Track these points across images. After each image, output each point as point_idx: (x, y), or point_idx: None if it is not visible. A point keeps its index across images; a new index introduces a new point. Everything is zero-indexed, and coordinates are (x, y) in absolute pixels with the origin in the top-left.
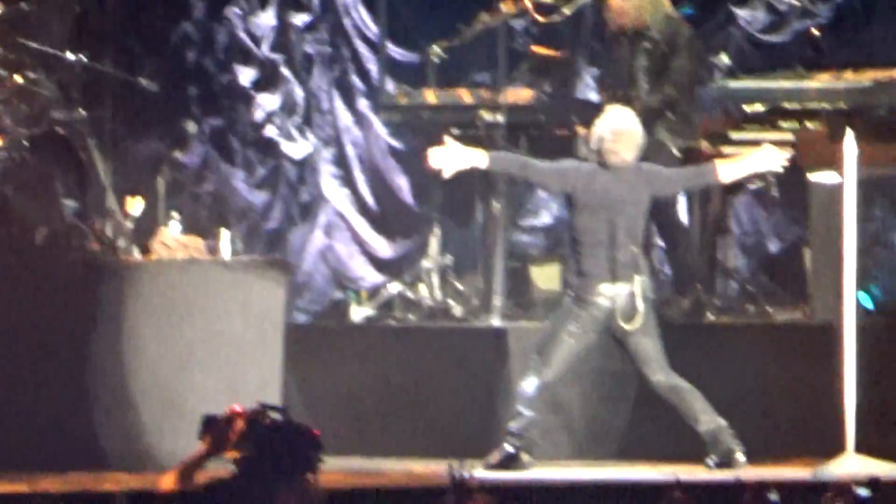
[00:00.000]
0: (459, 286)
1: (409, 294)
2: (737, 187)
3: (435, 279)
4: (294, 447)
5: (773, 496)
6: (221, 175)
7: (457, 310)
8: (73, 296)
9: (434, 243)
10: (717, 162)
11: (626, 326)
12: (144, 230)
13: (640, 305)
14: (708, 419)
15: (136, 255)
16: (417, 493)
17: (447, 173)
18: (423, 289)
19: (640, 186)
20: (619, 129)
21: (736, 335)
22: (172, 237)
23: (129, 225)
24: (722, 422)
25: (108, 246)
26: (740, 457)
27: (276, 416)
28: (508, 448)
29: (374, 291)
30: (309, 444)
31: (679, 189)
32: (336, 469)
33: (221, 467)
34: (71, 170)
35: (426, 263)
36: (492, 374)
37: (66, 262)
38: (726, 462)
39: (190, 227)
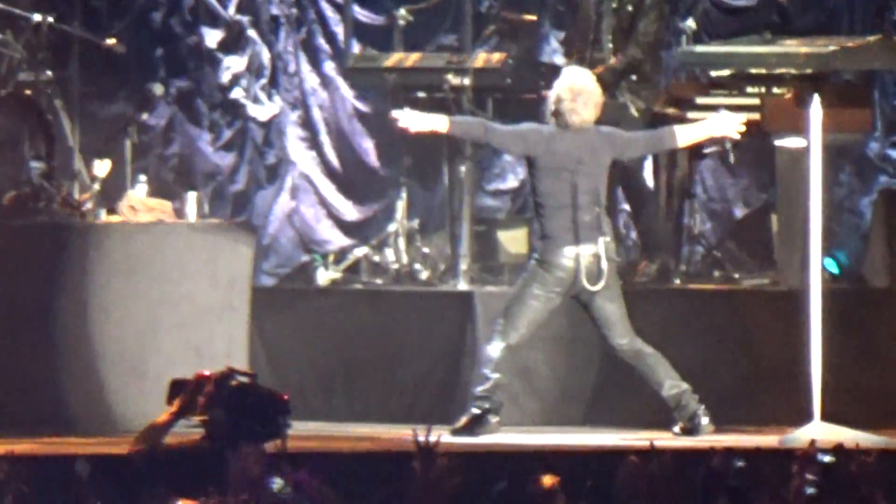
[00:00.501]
0: (426, 250)
1: (376, 257)
2: (701, 152)
3: (401, 243)
4: (263, 412)
5: (739, 462)
6: (188, 137)
7: (423, 273)
8: (40, 258)
9: (400, 207)
10: (676, 127)
11: (591, 287)
12: (111, 192)
13: (605, 266)
14: (671, 384)
15: (103, 217)
16: (384, 457)
17: (411, 132)
18: (389, 252)
19: (601, 148)
20: (576, 88)
21: (702, 301)
22: (139, 199)
23: (96, 187)
24: (685, 386)
25: (75, 208)
26: (704, 420)
27: (243, 380)
28: (475, 411)
29: (341, 255)
30: (277, 408)
31: (639, 152)
32: (303, 433)
33: (189, 431)
34: (37, 131)
35: (393, 227)
36: (459, 338)
37: (32, 224)
38: (691, 427)
39: (156, 190)
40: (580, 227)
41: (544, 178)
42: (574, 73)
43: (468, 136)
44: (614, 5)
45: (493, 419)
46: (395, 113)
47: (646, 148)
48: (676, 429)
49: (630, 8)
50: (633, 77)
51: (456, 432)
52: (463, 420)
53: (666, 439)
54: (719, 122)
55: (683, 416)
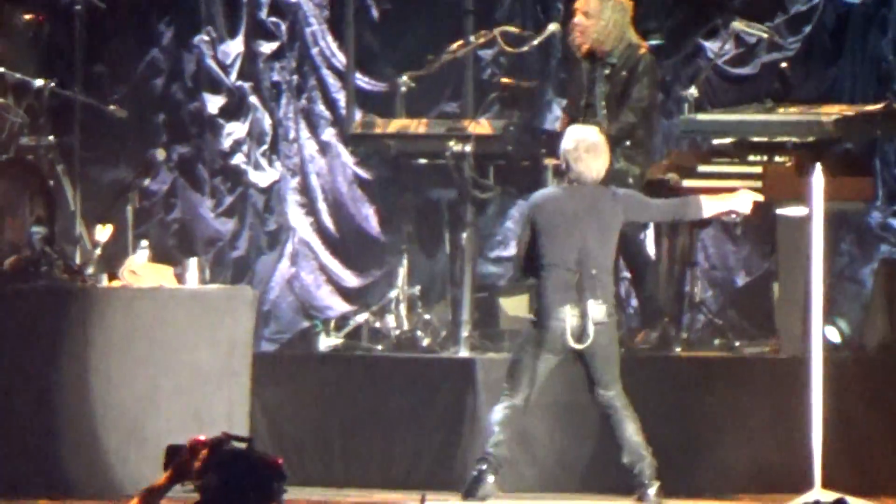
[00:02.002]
0: (427, 316)
1: (377, 324)
2: (704, 221)
3: (403, 309)
4: (257, 477)
5: None
6: (189, 203)
7: (424, 340)
8: (41, 322)
9: (402, 273)
10: (702, 197)
11: (576, 346)
12: (112, 257)
13: (590, 328)
14: (633, 452)
15: (104, 282)
16: None
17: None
18: (390, 319)
19: (611, 209)
20: (582, 140)
21: (703, 368)
22: (140, 264)
23: (97, 252)
24: (646, 454)
25: (76, 273)
26: (651, 492)
27: (239, 445)
28: (473, 472)
29: (342, 321)
30: (272, 473)
31: (660, 218)
32: (301, 499)
33: (185, 497)
34: (39, 196)
35: (394, 293)
36: (459, 405)
37: (33, 289)
38: (639, 496)
39: (158, 255)
40: (569, 288)
41: (540, 237)
42: (580, 128)
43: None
44: (607, 72)
45: (490, 479)
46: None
47: (668, 214)
48: (635, 496)
49: (623, 73)
50: (627, 143)
51: (465, 497)
52: (466, 485)
53: None
54: (743, 199)
55: (635, 484)
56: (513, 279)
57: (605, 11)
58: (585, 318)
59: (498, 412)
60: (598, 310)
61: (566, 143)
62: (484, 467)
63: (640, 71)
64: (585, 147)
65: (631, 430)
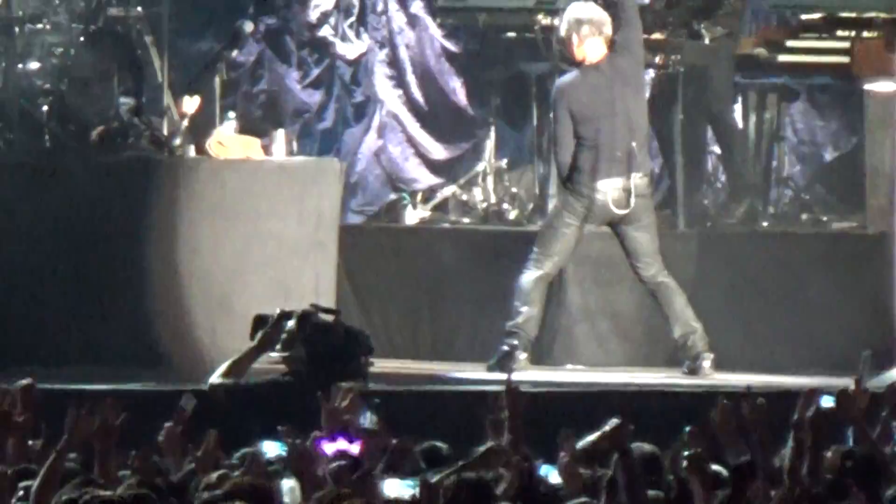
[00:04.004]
0: (514, 189)
1: (464, 196)
2: (792, 94)
3: (490, 182)
4: (344, 349)
5: (827, 403)
6: (276, 74)
7: (511, 213)
8: (128, 194)
9: (489, 146)
10: None
11: (618, 212)
12: (199, 129)
13: (633, 200)
14: (683, 324)
15: (191, 153)
16: (467, 396)
17: None
18: (477, 191)
19: (622, 72)
20: (580, 19)
21: (790, 243)
22: (227, 136)
23: (185, 123)
24: (697, 327)
25: (163, 144)
26: (706, 364)
27: (327, 317)
28: (504, 348)
29: (429, 193)
30: (359, 346)
31: (633, 22)
32: (387, 372)
33: (271, 367)
34: (127, 67)
35: (481, 166)
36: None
37: (120, 160)
38: (693, 368)
39: (245, 127)
40: (608, 162)
41: (577, 124)
42: (577, 9)
43: None
44: None
45: (522, 356)
46: None
47: (626, 12)
48: (685, 368)
49: None
50: (720, 11)
51: (490, 369)
52: (494, 358)
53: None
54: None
55: (687, 357)
56: (563, 166)
57: None
58: (628, 189)
59: (528, 283)
60: (639, 182)
61: (562, 28)
62: (515, 342)
63: None
64: (580, 27)
65: (680, 304)
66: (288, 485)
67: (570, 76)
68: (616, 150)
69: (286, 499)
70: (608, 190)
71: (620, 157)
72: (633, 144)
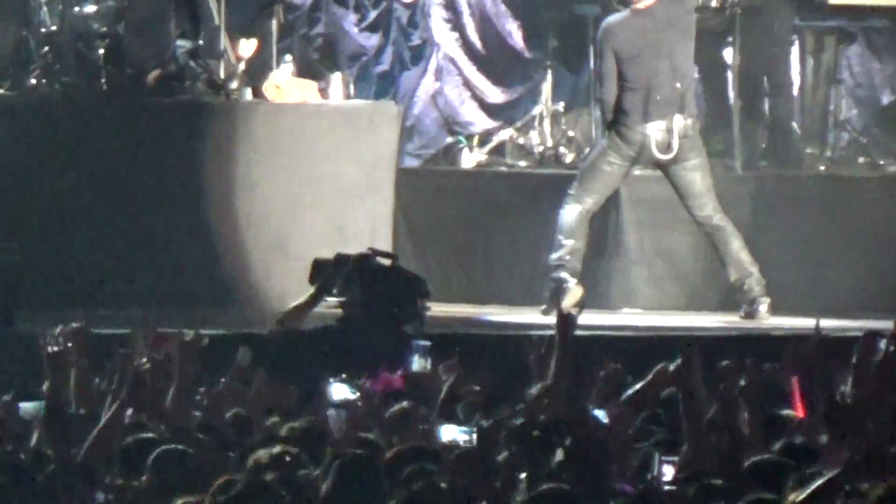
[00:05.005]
0: (571, 132)
1: (521, 140)
2: (849, 37)
3: (546, 125)
4: (401, 294)
5: (883, 344)
6: (333, 17)
7: (568, 156)
8: (184, 136)
9: (545, 89)
10: None
11: (661, 156)
12: (256, 72)
13: (675, 141)
14: (740, 268)
15: (248, 96)
16: (521, 340)
17: None
18: (534, 135)
19: (675, 18)
20: None
21: (847, 186)
22: (284, 79)
23: (241, 66)
24: (752, 270)
25: (220, 87)
26: (762, 308)
27: (384, 261)
28: (552, 284)
29: (486, 136)
30: (416, 291)
31: None
32: (444, 315)
33: (329, 311)
34: (183, 9)
35: (537, 109)
36: (602, 221)
37: (177, 102)
38: (749, 311)
39: (301, 70)
40: (653, 104)
41: (622, 64)
42: None
43: None
44: None
45: (572, 284)
46: None
47: None
48: (742, 312)
49: None
50: None
51: (545, 312)
52: (547, 296)
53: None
54: None
55: (744, 301)
56: (606, 104)
57: None
58: (671, 132)
59: (571, 218)
60: (683, 124)
61: None
62: (563, 275)
63: None
64: None
65: (736, 247)
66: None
67: (619, 16)
68: (660, 92)
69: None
70: (652, 132)
71: (665, 99)
72: (678, 86)
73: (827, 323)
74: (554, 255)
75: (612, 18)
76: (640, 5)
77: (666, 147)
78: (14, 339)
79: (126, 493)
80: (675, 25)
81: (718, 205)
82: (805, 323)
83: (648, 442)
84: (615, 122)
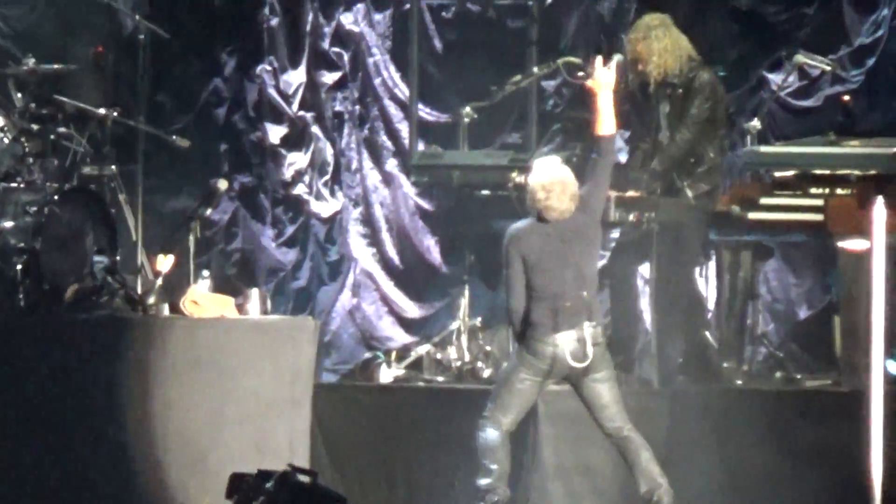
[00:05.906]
0: (488, 347)
1: (438, 355)
2: (767, 252)
3: (464, 340)
4: None
5: None
6: (251, 233)
7: (486, 371)
8: (102, 351)
9: (463, 304)
10: (593, 126)
11: (576, 365)
12: (174, 287)
13: (590, 350)
14: (650, 479)
15: (166, 312)
16: None
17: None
18: (452, 350)
19: (580, 228)
20: (548, 183)
21: (764, 401)
22: (201, 294)
23: (159, 281)
24: (663, 482)
25: (138, 302)
26: None
27: (304, 478)
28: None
29: (403, 352)
30: None
31: (602, 180)
32: None
33: None
34: (101, 225)
35: (455, 324)
36: (521, 437)
37: (95, 318)
38: None
39: (219, 285)
40: (562, 314)
41: (529, 272)
42: (545, 167)
43: None
44: (668, 91)
45: None
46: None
47: (596, 174)
48: None
49: (680, 91)
50: (692, 160)
51: None
52: None
53: None
54: (597, 80)
55: None
56: (515, 313)
57: (658, 38)
58: (583, 340)
59: (493, 441)
60: (594, 332)
61: (532, 184)
62: (496, 499)
63: (696, 87)
64: (549, 190)
65: (645, 458)
66: None
67: (524, 223)
68: (568, 300)
69: None
70: (563, 342)
71: (574, 307)
72: (584, 294)
73: None
74: (482, 482)
75: (518, 225)
76: (548, 217)
77: (582, 355)
78: None
79: None
80: (581, 234)
81: (627, 416)
82: None
83: None
84: (524, 335)
